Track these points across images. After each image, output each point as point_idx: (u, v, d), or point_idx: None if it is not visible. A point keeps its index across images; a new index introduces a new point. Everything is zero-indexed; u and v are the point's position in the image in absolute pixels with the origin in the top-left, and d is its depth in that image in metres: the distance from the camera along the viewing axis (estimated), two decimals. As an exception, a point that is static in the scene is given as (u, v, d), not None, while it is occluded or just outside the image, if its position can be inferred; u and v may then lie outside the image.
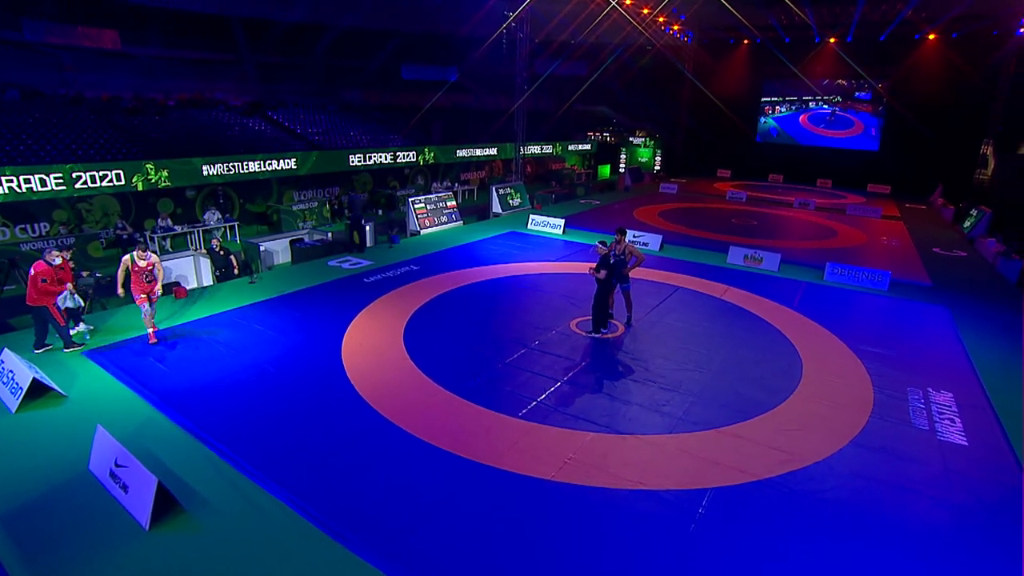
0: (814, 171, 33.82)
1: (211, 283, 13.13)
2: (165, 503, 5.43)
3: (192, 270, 13.46)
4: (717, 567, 4.96)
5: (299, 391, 7.82)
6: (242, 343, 9.34)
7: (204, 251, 13.64)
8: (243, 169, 20.62)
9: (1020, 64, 27.51)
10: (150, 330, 9.27)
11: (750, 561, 5.02)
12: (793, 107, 36.15)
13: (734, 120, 35.32)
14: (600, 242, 9.74)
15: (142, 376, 8.05)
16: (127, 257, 9.01)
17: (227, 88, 28.46)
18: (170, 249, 16.37)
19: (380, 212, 24.89)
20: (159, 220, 17.81)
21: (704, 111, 36.76)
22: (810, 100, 35.61)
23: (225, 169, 20.00)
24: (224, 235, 19.55)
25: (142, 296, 9.01)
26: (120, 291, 9.10)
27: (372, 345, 9.38)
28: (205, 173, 19.38)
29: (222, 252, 13.31)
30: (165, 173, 18.08)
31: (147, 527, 5.23)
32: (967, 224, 21.07)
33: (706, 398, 7.84)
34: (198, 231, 18.58)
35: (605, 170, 40.67)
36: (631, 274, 10.30)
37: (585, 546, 5.14)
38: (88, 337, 9.37)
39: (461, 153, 30.22)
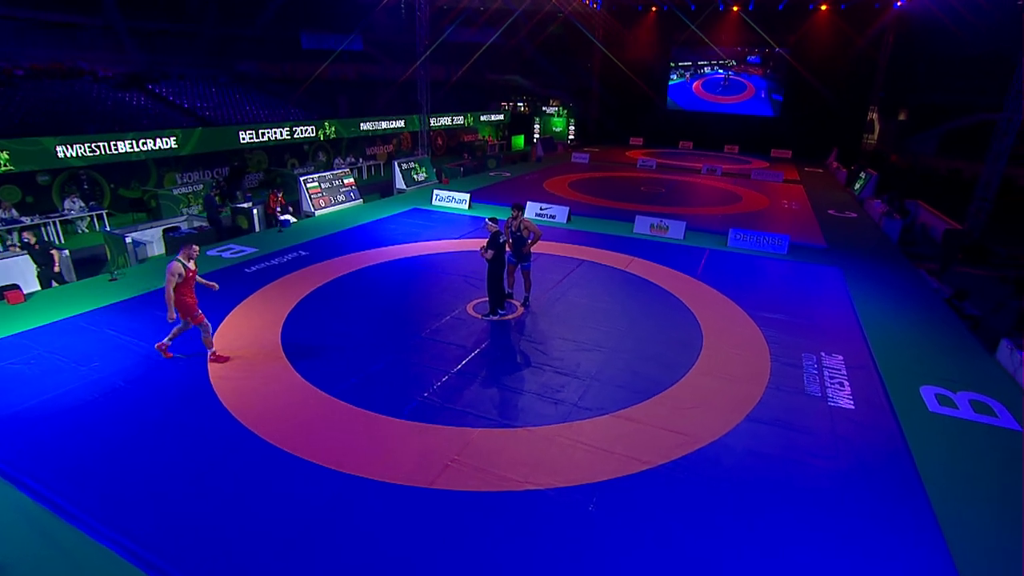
0: (722, 137, 34.70)
1: (70, 281, 11.36)
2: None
3: (33, 269, 11.60)
4: (604, 568, 4.50)
5: (152, 408, 6.65)
6: (88, 353, 7.92)
7: (18, 247, 11.50)
8: (111, 150, 18.22)
9: (898, 35, 29.12)
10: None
11: (640, 558, 4.60)
12: (687, 74, 36.77)
13: (644, 88, 35.50)
14: (489, 219, 9.04)
15: (-63, 403, 6.61)
16: (177, 264, 7.33)
17: (97, 58, 25.02)
18: (18, 245, 14.13)
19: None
20: (1, 211, 15.37)
21: (615, 79, 36.71)
22: (705, 66, 36.24)
23: (87, 150, 17.57)
24: (91, 224, 17.31)
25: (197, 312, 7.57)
26: (172, 314, 7.38)
27: (244, 345, 8.28)
28: (60, 155, 16.91)
29: (38, 247, 11.28)
30: (5, 155, 15.58)
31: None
32: (857, 186, 22.14)
33: (602, 380, 7.41)
34: (54, 222, 16.25)
35: (519, 141, 39.97)
36: (532, 250, 9.68)
37: (459, 564, 4.53)
38: None
39: (365, 127, 28.49)
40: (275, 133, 23.90)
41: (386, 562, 4.55)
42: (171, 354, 7.89)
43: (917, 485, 5.61)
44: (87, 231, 17.28)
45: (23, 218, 15.67)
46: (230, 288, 10.51)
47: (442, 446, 6.01)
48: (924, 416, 6.88)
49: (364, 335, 8.66)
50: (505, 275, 9.27)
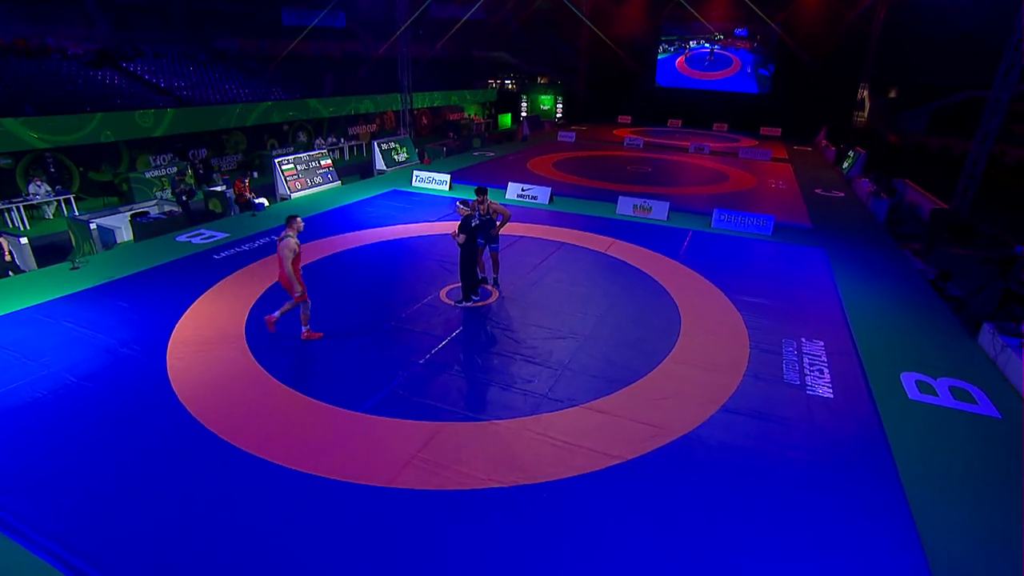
0: (711, 115, 34.21)
1: (29, 270, 10.92)
2: None
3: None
4: (561, 570, 4.30)
5: (103, 405, 6.31)
6: (40, 347, 7.51)
7: None
8: (77, 131, 17.55)
9: (890, 11, 28.59)
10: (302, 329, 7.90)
11: (599, 559, 4.39)
12: (672, 48, 36.03)
13: (631, 65, 34.83)
14: (460, 202, 8.71)
15: None
16: (291, 240, 7.32)
17: (65, 33, 24.00)
18: None
19: (255, 175, 22.45)
20: (-40, 196, 14.80)
21: (604, 55, 35.96)
22: (691, 40, 35.50)
23: (51, 131, 16.89)
24: (58, 210, 16.72)
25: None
26: (299, 288, 7.48)
27: (206, 337, 7.93)
28: (22, 137, 16.25)
29: None
30: None
31: None
32: (845, 165, 21.86)
33: (575, 369, 7.16)
34: (17, 207, 15.65)
35: (506, 119, 39.32)
36: (510, 232, 9.36)
37: (410, 567, 4.30)
38: None
39: (345, 107, 27.80)
40: (254, 114, 23.18)
41: (334, 566, 4.31)
42: (319, 334, 7.95)
43: (892, 476, 5.43)
44: (54, 216, 16.70)
45: (-17, 203, 15.09)
46: (199, 276, 10.15)
47: (405, 442, 5.75)
48: (904, 404, 6.69)
49: (331, 324, 8.34)
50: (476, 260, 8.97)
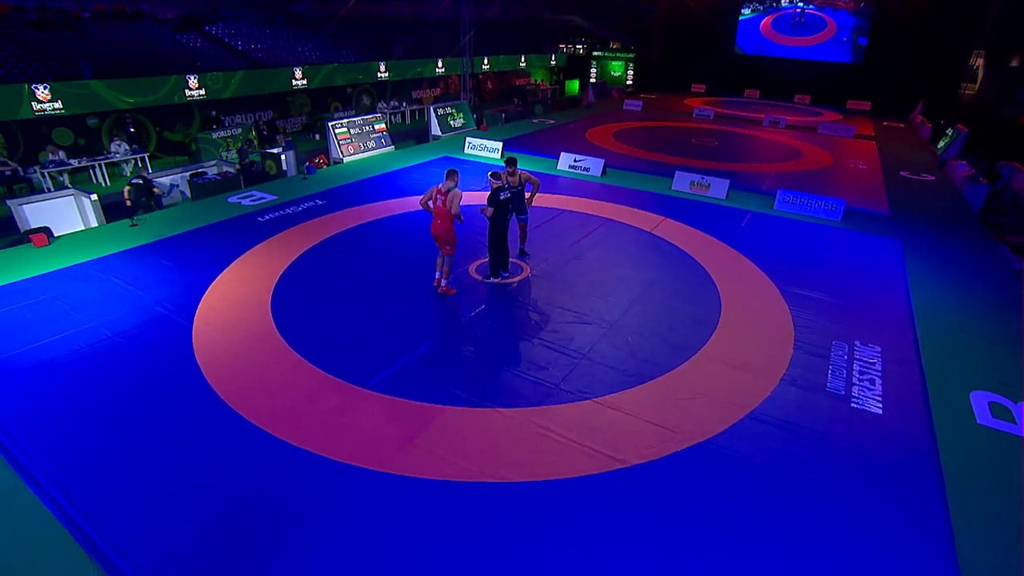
0: (793, 86, 31.63)
1: (96, 225, 11.59)
2: None
3: (75, 212, 11.86)
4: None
5: (129, 364, 6.50)
6: (88, 301, 7.91)
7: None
8: (155, 92, 18.32)
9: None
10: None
11: (581, 570, 4.07)
12: (762, 7, 32.79)
13: (711, 27, 32.54)
14: (492, 173, 8.30)
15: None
16: (459, 191, 7.64)
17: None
18: (68, 185, 14.49)
19: (317, 137, 22.82)
20: (49, 153, 15.78)
21: (681, 18, 33.83)
22: (781, -2, 32.13)
23: (132, 93, 17.70)
24: (134, 167, 17.58)
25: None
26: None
27: (234, 300, 8.05)
28: (108, 99, 17.13)
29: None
30: (59, 103, 15.85)
31: None
32: (941, 144, 19.59)
33: (593, 359, 6.72)
34: (99, 164, 16.58)
35: (573, 85, 37.99)
36: (549, 205, 8.90)
37: (386, 558, 4.13)
38: None
39: (407, 70, 27.58)
40: (318, 76, 23.35)
41: (314, 548, 4.21)
42: (454, 289, 8.24)
43: (942, 520, 4.64)
44: (131, 174, 17.64)
45: (71, 160, 16.05)
46: (241, 237, 10.37)
47: (403, 424, 5.58)
48: (969, 429, 5.82)
49: (355, 294, 8.27)
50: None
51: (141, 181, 11.89)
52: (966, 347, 7.34)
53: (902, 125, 25.40)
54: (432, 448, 5.26)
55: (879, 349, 7.11)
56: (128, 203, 11.61)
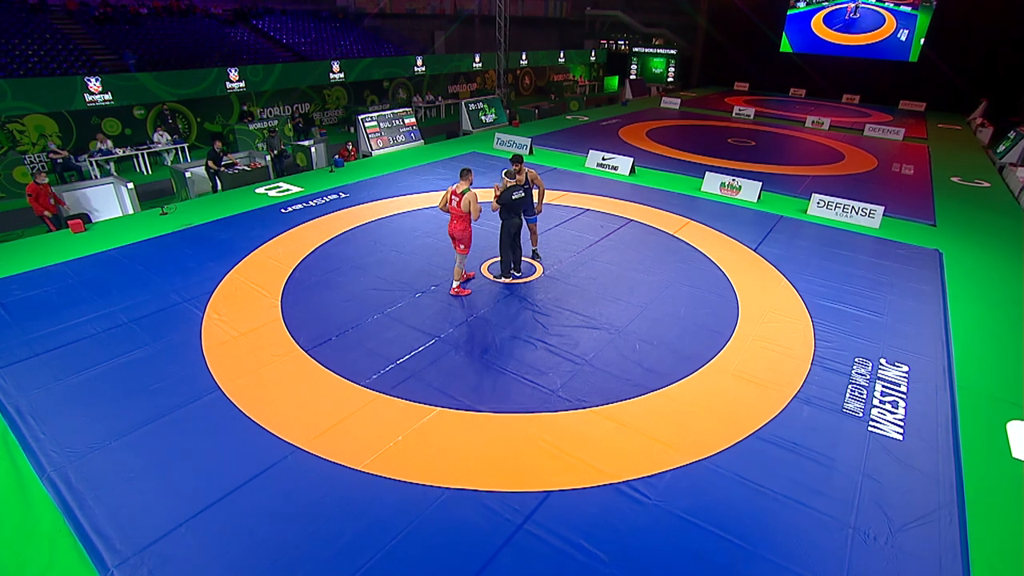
0: (840, 85, 30.24)
1: (132, 212, 11.99)
2: None
3: (114, 199, 12.29)
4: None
5: (139, 349, 6.64)
6: (112, 286, 8.15)
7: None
8: (198, 84, 18.89)
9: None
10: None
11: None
12: (815, 1, 31.09)
13: (756, 23, 31.42)
14: (505, 172, 8.15)
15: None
16: (474, 192, 7.56)
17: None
18: (115, 174, 15.06)
19: (352, 130, 23.05)
20: (99, 143, 16.42)
21: (726, 16, 32.80)
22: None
23: (177, 85, 18.30)
24: (175, 157, 18.13)
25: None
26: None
27: (246, 291, 8.14)
28: (154, 90, 17.77)
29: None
30: (108, 95, 16.50)
31: None
32: (1001, 149, 18.36)
33: (596, 365, 6.48)
34: (142, 154, 17.17)
35: (612, 82, 37.39)
36: (563, 204, 8.69)
37: (345, 561, 4.04)
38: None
39: (444, 65, 27.60)
40: (355, 70, 23.57)
41: (291, 545, 4.15)
42: (467, 290, 8.18)
43: (960, 569, 4.22)
44: (171, 163, 18.23)
45: (116, 149, 16.66)
46: (261, 228, 10.51)
47: (391, 424, 5.49)
48: (1003, 463, 5.29)
49: (364, 290, 8.24)
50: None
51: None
52: (1006, 371, 6.75)
53: (959, 127, 23.97)
54: (415, 451, 5.14)
55: (906, 369, 6.62)
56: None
